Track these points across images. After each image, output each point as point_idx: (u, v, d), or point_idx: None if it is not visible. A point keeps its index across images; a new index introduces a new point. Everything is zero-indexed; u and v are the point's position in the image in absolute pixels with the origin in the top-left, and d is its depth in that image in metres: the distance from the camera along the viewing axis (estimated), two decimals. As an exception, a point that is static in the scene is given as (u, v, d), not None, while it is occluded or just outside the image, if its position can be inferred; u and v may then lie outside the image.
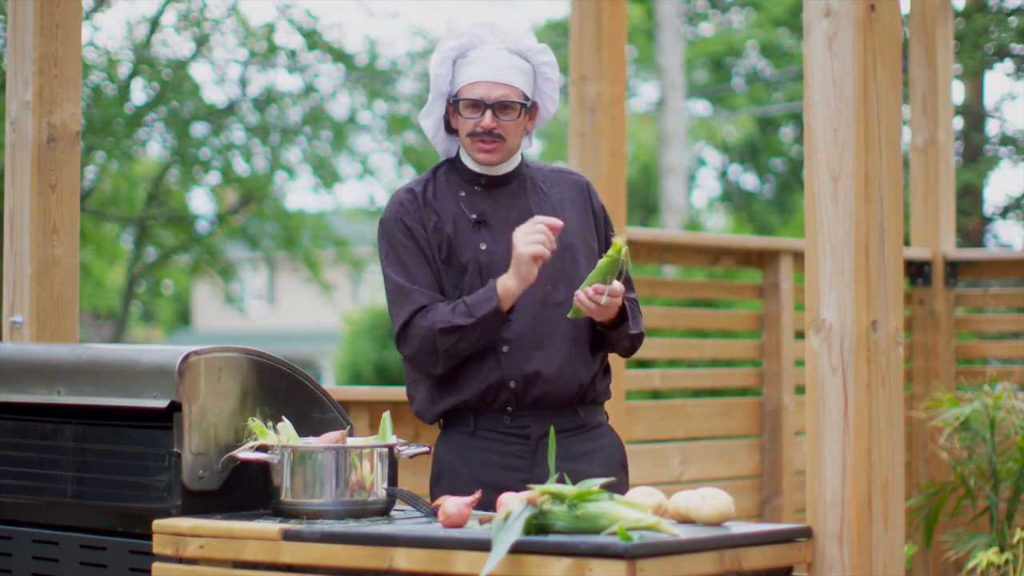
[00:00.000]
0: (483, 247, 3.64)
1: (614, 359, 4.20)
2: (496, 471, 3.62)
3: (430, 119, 3.73)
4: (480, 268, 3.62)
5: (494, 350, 3.61)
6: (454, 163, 3.76)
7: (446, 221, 3.66)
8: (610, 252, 3.46)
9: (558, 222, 3.52)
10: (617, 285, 3.48)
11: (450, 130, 3.74)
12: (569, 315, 3.57)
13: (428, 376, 3.67)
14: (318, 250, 19.57)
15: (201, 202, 21.39)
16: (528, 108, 3.69)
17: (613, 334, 3.64)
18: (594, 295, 3.47)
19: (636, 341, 3.69)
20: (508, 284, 3.53)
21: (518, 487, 3.52)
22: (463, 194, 3.70)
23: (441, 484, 3.68)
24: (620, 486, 3.68)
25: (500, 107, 3.63)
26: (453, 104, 3.67)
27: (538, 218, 3.52)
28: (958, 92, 14.11)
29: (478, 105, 3.63)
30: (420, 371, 3.66)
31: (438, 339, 3.55)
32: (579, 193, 3.76)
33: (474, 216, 3.66)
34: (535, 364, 3.60)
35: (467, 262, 3.62)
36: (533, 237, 3.49)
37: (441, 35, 20.11)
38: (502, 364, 3.61)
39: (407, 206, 3.68)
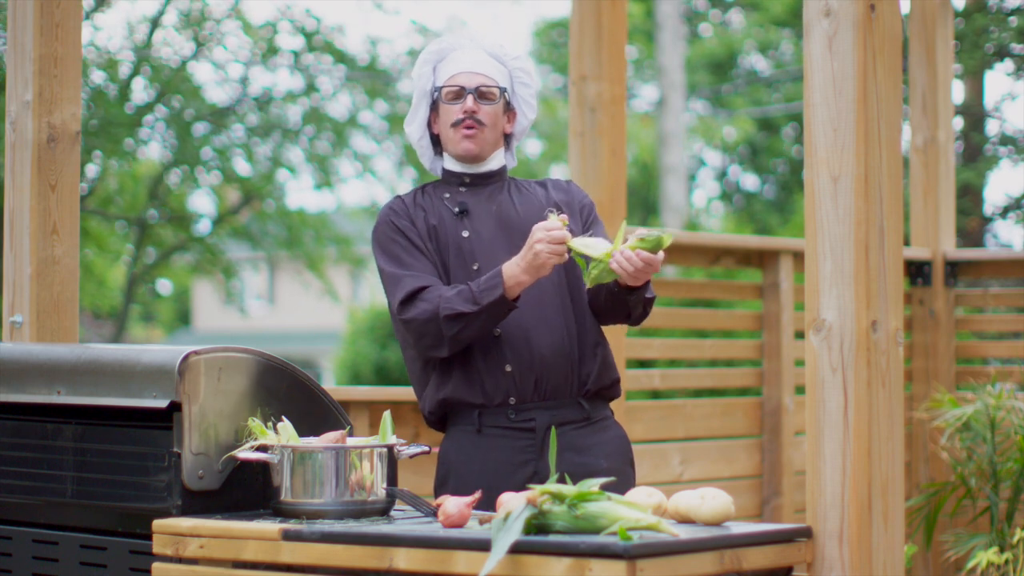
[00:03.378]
0: (465, 235, 3.72)
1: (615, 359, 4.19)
2: (503, 468, 3.63)
3: (414, 123, 3.84)
4: (463, 255, 3.70)
5: (485, 339, 3.64)
6: (443, 173, 3.86)
7: (431, 216, 3.75)
8: (661, 241, 3.43)
9: (564, 219, 3.53)
10: (657, 256, 3.46)
11: (435, 140, 3.84)
12: (589, 283, 3.51)
13: (427, 368, 3.71)
14: (320, 249, 19.57)
15: (202, 202, 21.41)
16: (507, 98, 3.80)
17: (632, 297, 3.62)
18: (633, 257, 3.44)
19: (648, 305, 3.70)
20: (518, 275, 3.53)
21: (526, 483, 3.54)
22: (447, 195, 3.80)
23: (447, 485, 3.69)
24: (626, 480, 3.70)
25: (480, 94, 3.76)
26: (435, 103, 3.79)
27: (555, 230, 3.50)
28: (958, 92, 14.11)
29: (459, 93, 3.75)
30: (420, 352, 3.66)
31: (443, 325, 3.57)
32: (563, 192, 3.83)
33: (456, 209, 3.74)
34: (529, 345, 3.64)
35: (450, 250, 3.70)
36: (554, 248, 3.49)
37: (442, 32, 20.15)
38: (497, 349, 3.64)
39: (396, 210, 3.77)
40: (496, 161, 3.82)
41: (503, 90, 3.79)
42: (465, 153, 3.75)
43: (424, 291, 3.61)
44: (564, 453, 3.61)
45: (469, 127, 3.74)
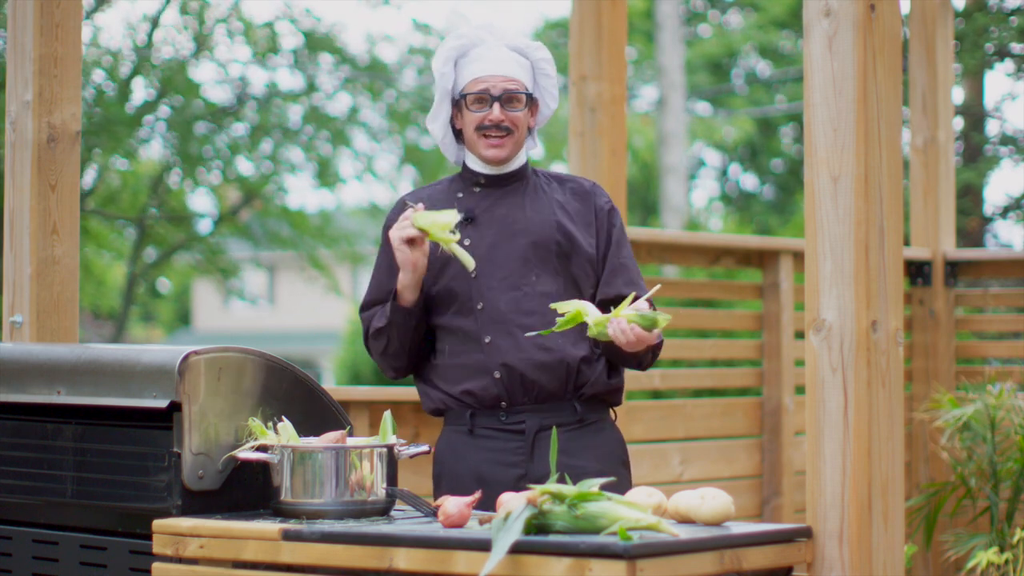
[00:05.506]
0: (466, 243, 3.68)
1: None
2: (493, 468, 3.63)
3: (437, 121, 3.77)
4: (461, 263, 3.64)
5: (478, 341, 3.64)
6: (463, 168, 3.81)
7: None
8: (656, 321, 3.43)
9: (420, 205, 3.58)
10: (647, 335, 3.45)
11: (457, 133, 3.78)
12: (590, 334, 3.48)
13: (427, 368, 3.74)
14: (324, 250, 19.57)
15: (202, 202, 21.42)
16: (532, 99, 3.73)
17: (631, 358, 3.62)
18: (628, 330, 3.43)
19: (656, 351, 3.67)
20: (401, 279, 3.62)
21: (516, 484, 3.54)
22: (460, 196, 3.75)
23: (441, 485, 3.70)
24: (621, 483, 3.68)
25: (506, 99, 3.68)
26: (458, 103, 3.72)
27: (406, 212, 3.58)
28: (958, 92, 14.11)
29: (484, 99, 3.68)
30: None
31: (372, 344, 3.72)
32: (581, 199, 3.76)
33: (462, 216, 3.70)
34: (519, 353, 3.62)
35: (448, 258, 3.64)
36: (399, 225, 3.56)
37: (444, 30, 20.13)
38: (487, 355, 3.63)
39: (393, 217, 3.73)
40: (518, 160, 3.77)
41: (529, 95, 3.71)
42: (491, 160, 3.71)
43: (366, 312, 3.74)
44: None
45: (496, 136, 3.68)
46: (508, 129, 3.68)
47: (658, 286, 3.61)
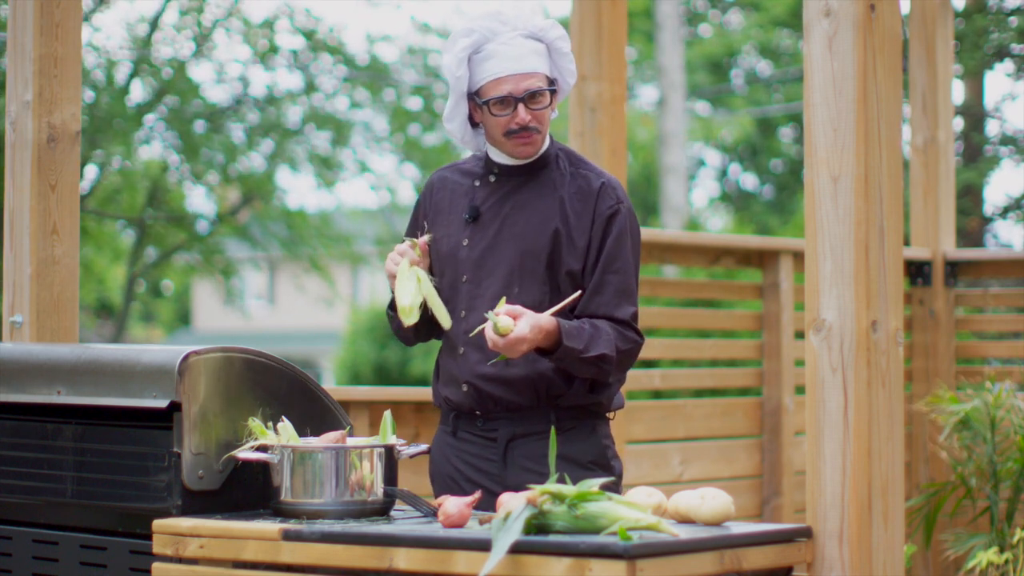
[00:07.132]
0: (464, 243, 3.65)
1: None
2: (472, 472, 3.64)
3: (455, 122, 3.66)
4: (457, 262, 3.64)
5: (456, 350, 3.64)
6: (485, 157, 3.73)
7: (451, 209, 3.68)
8: (495, 324, 3.42)
9: (421, 240, 3.64)
10: (497, 339, 3.42)
11: (475, 124, 3.68)
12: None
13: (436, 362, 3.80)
14: (323, 249, 19.57)
15: (202, 202, 21.44)
16: (554, 91, 3.62)
17: (552, 360, 3.52)
18: (489, 334, 3.44)
19: (601, 363, 3.51)
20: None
21: (492, 488, 3.53)
22: (478, 184, 3.69)
23: (434, 483, 3.73)
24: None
25: (530, 98, 3.57)
26: (480, 105, 3.59)
27: (400, 247, 3.65)
28: (958, 92, 14.12)
29: (507, 101, 3.56)
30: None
31: (389, 322, 3.81)
32: (584, 200, 3.62)
33: (467, 215, 3.66)
34: (484, 368, 3.58)
35: (447, 255, 3.64)
36: (391, 258, 3.65)
37: (448, 28, 20.07)
38: (458, 367, 3.63)
39: (426, 187, 3.78)
40: (541, 148, 3.66)
41: (552, 90, 3.59)
42: (523, 156, 3.62)
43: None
44: (524, 461, 3.59)
45: (524, 136, 3.58)
46: (536, 129, 3.57)
47: (578, 293, 3.53)
